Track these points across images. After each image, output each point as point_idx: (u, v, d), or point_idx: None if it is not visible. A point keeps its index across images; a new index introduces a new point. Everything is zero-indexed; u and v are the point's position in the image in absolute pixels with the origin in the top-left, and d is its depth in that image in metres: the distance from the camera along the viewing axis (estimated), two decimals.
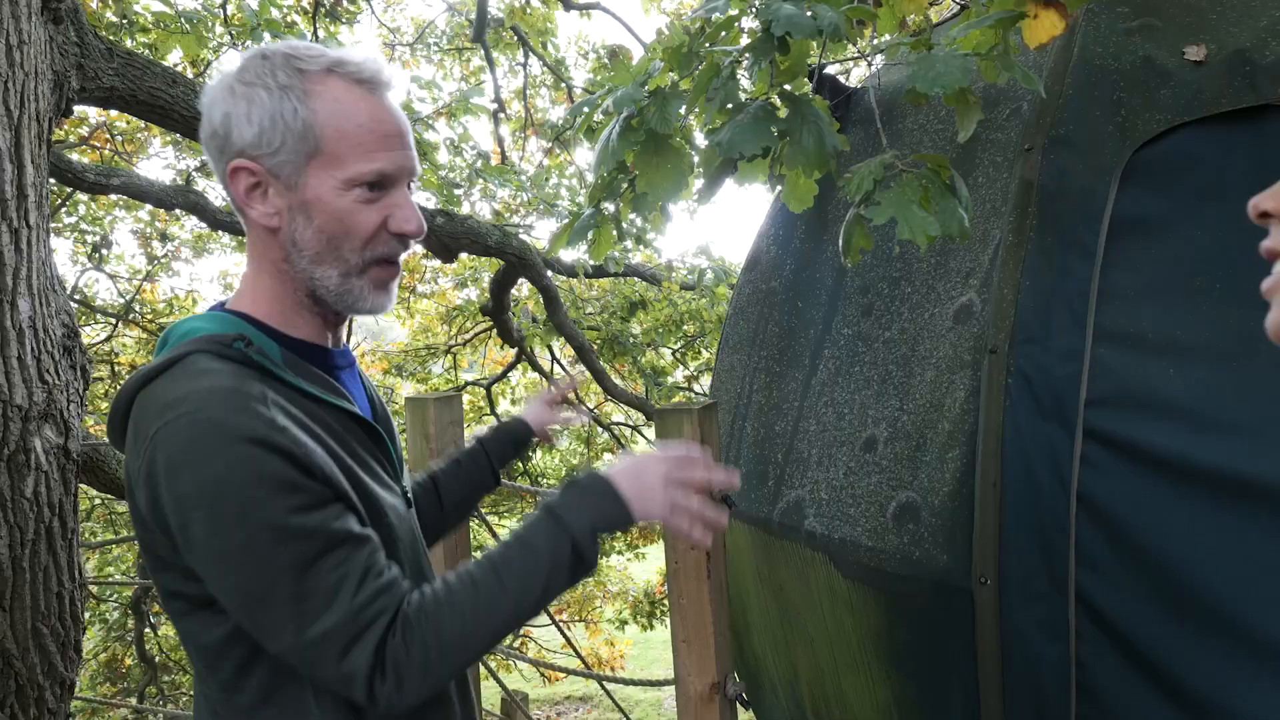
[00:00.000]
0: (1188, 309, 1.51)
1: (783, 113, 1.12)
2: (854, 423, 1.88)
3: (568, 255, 5.72)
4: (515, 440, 1.44)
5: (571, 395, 1.47)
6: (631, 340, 6.03)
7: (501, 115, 6.00)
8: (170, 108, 2.73)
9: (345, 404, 0.96)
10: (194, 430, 0.80)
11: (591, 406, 7.22)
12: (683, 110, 1.19)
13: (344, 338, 1.07)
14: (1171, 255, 1.55)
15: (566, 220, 1.77)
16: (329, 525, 0.83)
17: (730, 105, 1.13)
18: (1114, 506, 1.46)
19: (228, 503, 0.79)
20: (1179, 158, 1.58)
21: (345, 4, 5.39)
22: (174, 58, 5.37)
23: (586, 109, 1.41)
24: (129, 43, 4.38)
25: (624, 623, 8.52)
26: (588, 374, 5.70)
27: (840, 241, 1.17)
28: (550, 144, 6.33)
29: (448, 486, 1.33)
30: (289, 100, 0.89)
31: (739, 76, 1.13)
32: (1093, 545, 1.47)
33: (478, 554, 1.27)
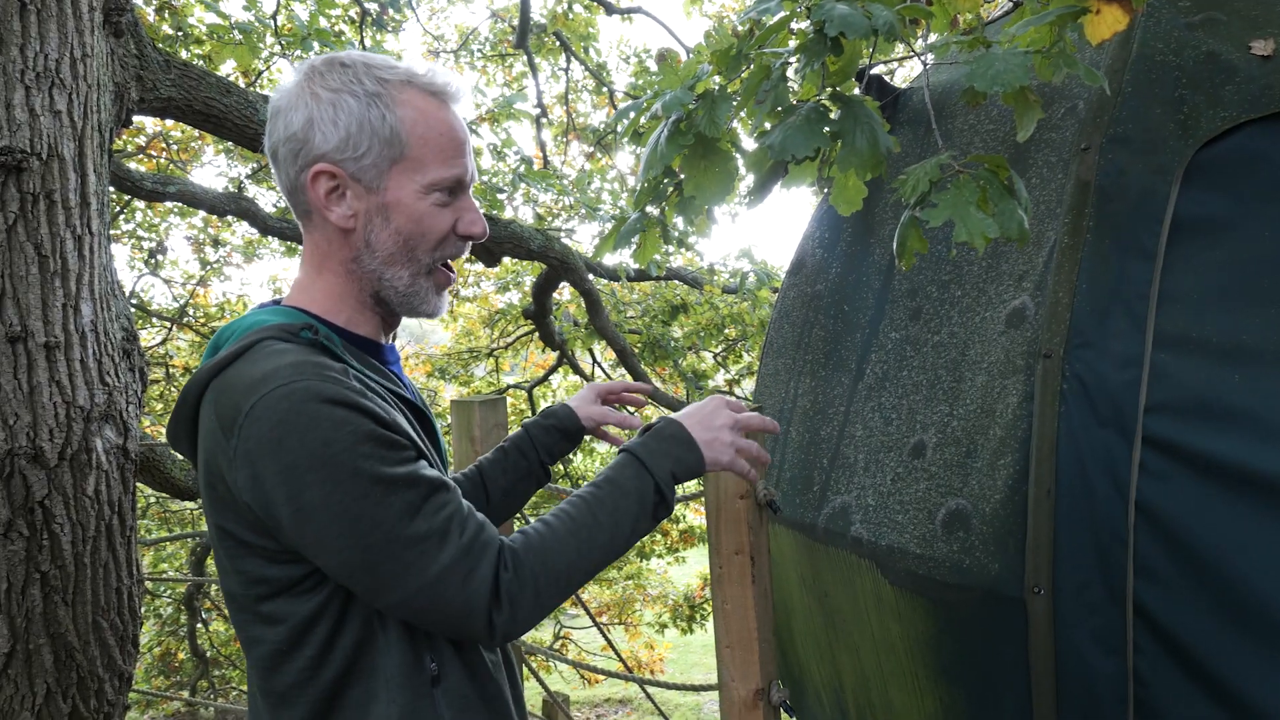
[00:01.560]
0: (1253, 313, 1.46)
1: (834, 114, 1.11)
2: (902, 428, 1.86)
3: (610, 259, 5.74)
4: (565, 433, 1.42)
5: (638, 397, 1.47)
6: (673, 344, 6.03)
7: (544, 120, 6.05)
8: (224, 116, 2.81)
9: (402, 390, 1.01)
10: (292, 400, 0.84)
11: (633, 410, 7.23)
12: (730, 114, 1.19)
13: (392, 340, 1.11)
14: (1236, 257, 1.50)
15: (611, 225, 1.78)
16: (426, 473, 0.89)
17: (780, 109, 1.12)
18: (1174, 516, 1.42)
19: (340, 462, 0.83)
20: (1244, 156, 1.53)
21: (391, 13, 5.48)
22: (226, 68, 5.51)
23: (632, 113, 1.42)
24: (184, 54, 4.50)
25: (664, 626, 8.51)
26: (629, 378, 5.71)
27: (895, 244, 1.16)
28: (592, 148, 6.35)
29: (493, 476, 1.35)
30: (376, 107, 0.93)
31: (789, 79, 1.13)
32: (1151, 555, 1.43)
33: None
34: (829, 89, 1.14)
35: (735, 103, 1.19)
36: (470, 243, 1.01)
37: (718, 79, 1.21)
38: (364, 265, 0.97)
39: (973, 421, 1.69)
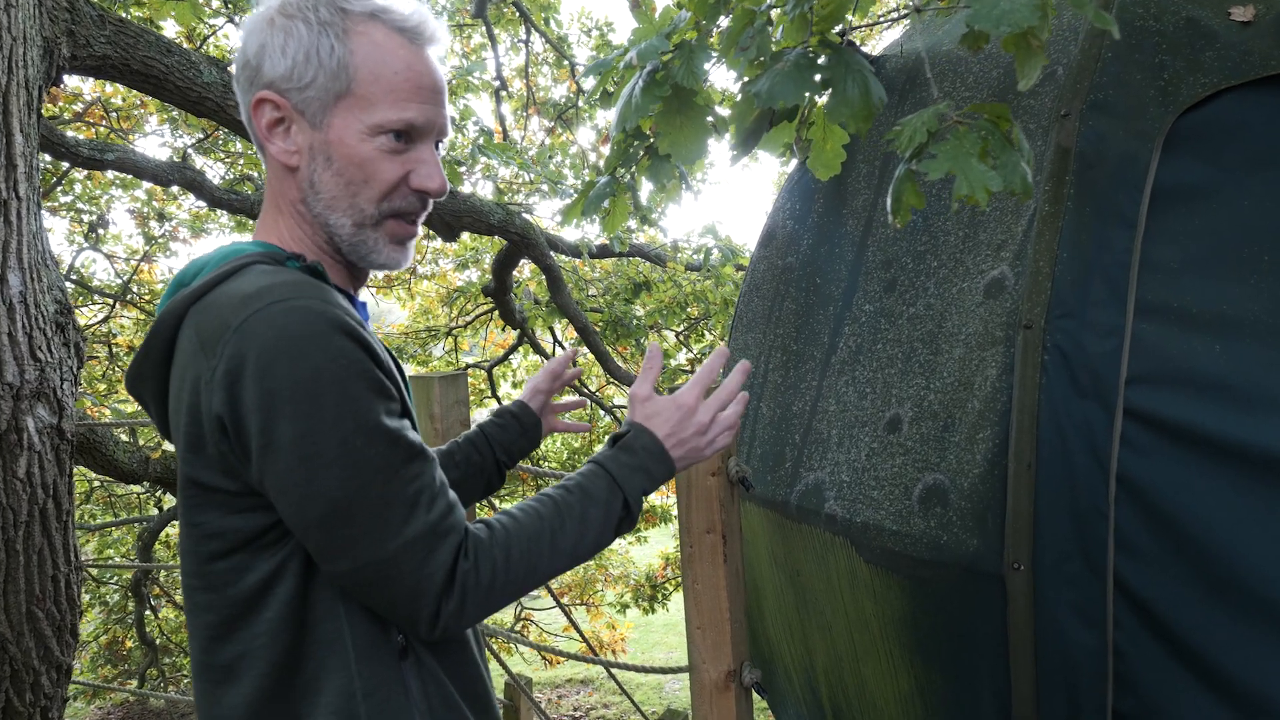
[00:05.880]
0: (1233, 282, 1.44)
1: (822, 61, 1.04)
2: (877, 402, 1.82)
3: (571, 235, 5.63)
4: (520, 425, 1.33)
5: (572, 366, 1.39)
6: (635, 322, 5.97)
7: (504, 93, 5.90)
8: (165, 78, 2.65)
9: (379, 339, 0.94)
10: (292, 317, 0.76)
11: (594, 389, 7.16)
12: (709, 63, 1.12)
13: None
14: (1216, 226, 1.47)
15: (576, 195, 1.70)
16: (409, 434, 0.82)
17: (764, 58, 1.06)
18: (1155, 489, 1.40)
19: (326, 397, 0.76)
20: (1225, 123, 1.51)
21: None
22: (171, 32, 5.26)
23: (603, 71, 1.34)
24: (122, 15, 4.27)
25: (625, 607, 8.51)
26: (590, 356, 5.64)
27: (889, 200, 1.10)
28: (553, 123, 6.23)
29: (446, 471, 1.26)
30: (327, 36, 0.86)
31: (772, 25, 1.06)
32: (1132, 529, 1.41)
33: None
34: (816, 36, 1.08)
35: (717, 52, 1.12)
36: (428, 198, 0.92)
37: (700, 24, 1.14)
38: (311, 208, 0.90)
39: (950, 395, 1.65)
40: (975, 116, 1.01)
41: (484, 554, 0.84)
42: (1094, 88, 1.58)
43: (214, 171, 5.82)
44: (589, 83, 1.43)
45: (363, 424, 0.77)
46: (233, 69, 0.92)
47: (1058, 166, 1.57)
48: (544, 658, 8.36)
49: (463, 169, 4.55)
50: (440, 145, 0.95)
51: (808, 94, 1.02)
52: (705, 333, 6.77)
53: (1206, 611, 1.36)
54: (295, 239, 0.91)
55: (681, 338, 6.92)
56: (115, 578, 6.71)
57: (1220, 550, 1.36)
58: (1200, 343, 1.42)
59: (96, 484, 6.35)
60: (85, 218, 5.81)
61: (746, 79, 1.10)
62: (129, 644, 6.86)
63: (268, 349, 0.75)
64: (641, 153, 1.55)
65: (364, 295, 1.05)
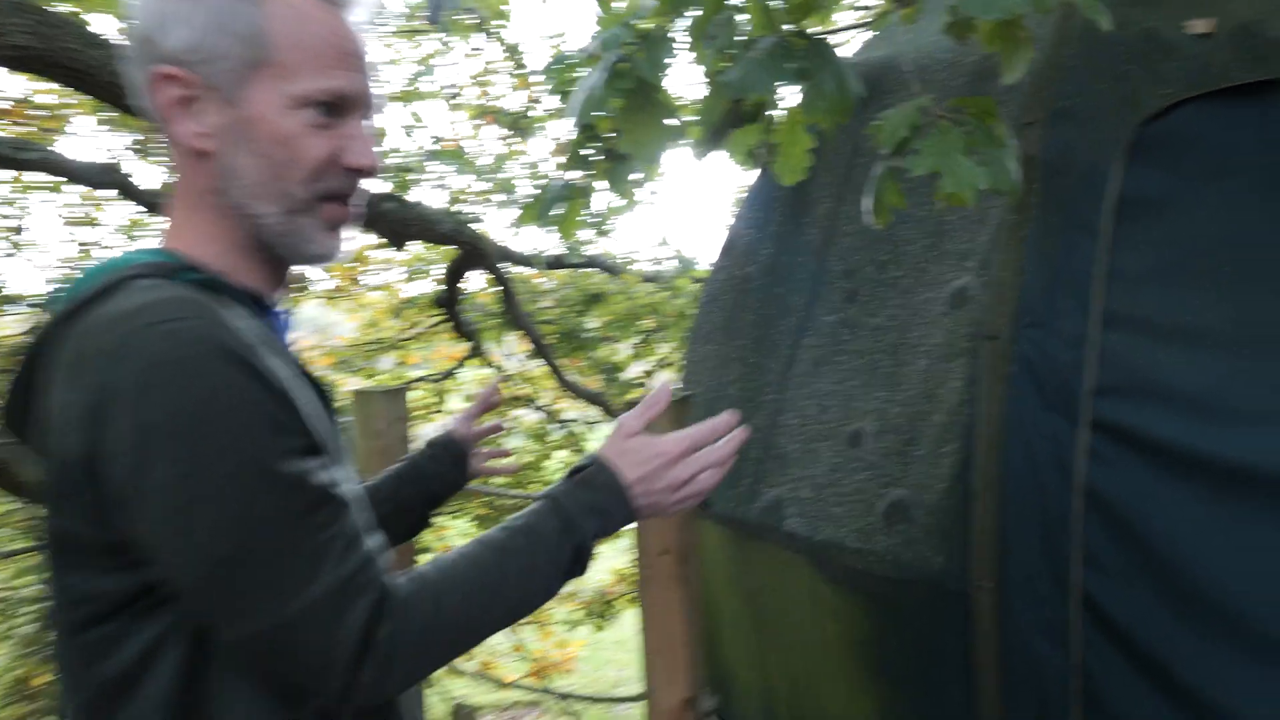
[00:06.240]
0: (1196, 292, 1.43)
1: (798, 53, 0.99)
2: (838, 415, 1.77)
3: (523, 245, 5.54)
4: (453, 455, 1.18)
5: (497, 399, 1.27)
6: (588, 335, 5.87)
7: (457, 101, 5.81)
8: (91, 72, 2.50)
9: (298, 361, 0.82)
10: (170, 341, 0.66)
11: (546, 403, 7.05)
12: (674, 56, 1.06)
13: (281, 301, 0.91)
14: (1178, 236, 1.46)
15: (534, 196, 1.63)
16: (315, 477, 0.70)
17: (733, 50, 1.00)
18: (1122, 502, 1.37)
19: (209, 434, 0.65)
20: (1185, 134, 1.50)
21: None
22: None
23: (563, 64, 1.27)
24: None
25: (576, 624, 8.37)
26: (543, 368, 5.54)
27: (869, 200, 1.05)
28: (509, 132, 6.14)
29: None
30: (238, 0, 0.76)
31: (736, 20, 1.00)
32: (1099, 544, 1.38)
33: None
34: (790, 26, 1.02)
35: (680, 45, 1.06)
36: (362, 178, 0.82)
37: (663, 14, 1.07)
38: (231, 198, 0.78)
39: (913, 407, 1.61)
40: (960, 111, 0.97)
41: (409, 613, 0.72)
42: (1058, 96, 1.56)
43: (150, 176, 5.60)
44: (549, 75, 1.37)
45: (254, 465, 0.66)
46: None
47: (1023, 175, 1.54)
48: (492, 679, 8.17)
49: (412, 177, 4.43)
50: (370, 119, 0.84)
51: (780, 85, 0.96)
52: (655, 347, 6.71)
53: (1172, 626, 1.33)
54: (210, 237, 0.80)
55: (636, 349, 6.86)
56: (28, 608, 6.34)
57: (1185, 563, 1.34)
58: (1165, 353, 1.40)
59: (17, 507, 6.01)
60: (6, 222, 5.53)
61: (716, 71, 1.04)
62: (42, 680, 6.48)
63: (140, 378, 0.65)
64: (600, 154, 1.48)
65: (309, 307, 0.94)
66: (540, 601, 0.83)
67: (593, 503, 0.84)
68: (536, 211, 1.47)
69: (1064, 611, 1.38)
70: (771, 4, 1.00)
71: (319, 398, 0.81)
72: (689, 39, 1.06)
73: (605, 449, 0.89)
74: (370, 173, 0.82)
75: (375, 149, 0.82)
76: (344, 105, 0.79)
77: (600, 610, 8.14)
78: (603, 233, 5.48)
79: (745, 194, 2.29)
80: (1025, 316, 1.46)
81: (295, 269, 0.86)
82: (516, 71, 5.65)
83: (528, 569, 0.80)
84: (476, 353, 6.05)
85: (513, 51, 5.69)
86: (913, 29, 1.81)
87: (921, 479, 1.55)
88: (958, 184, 0.93)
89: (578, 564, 0.84)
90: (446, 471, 1.18)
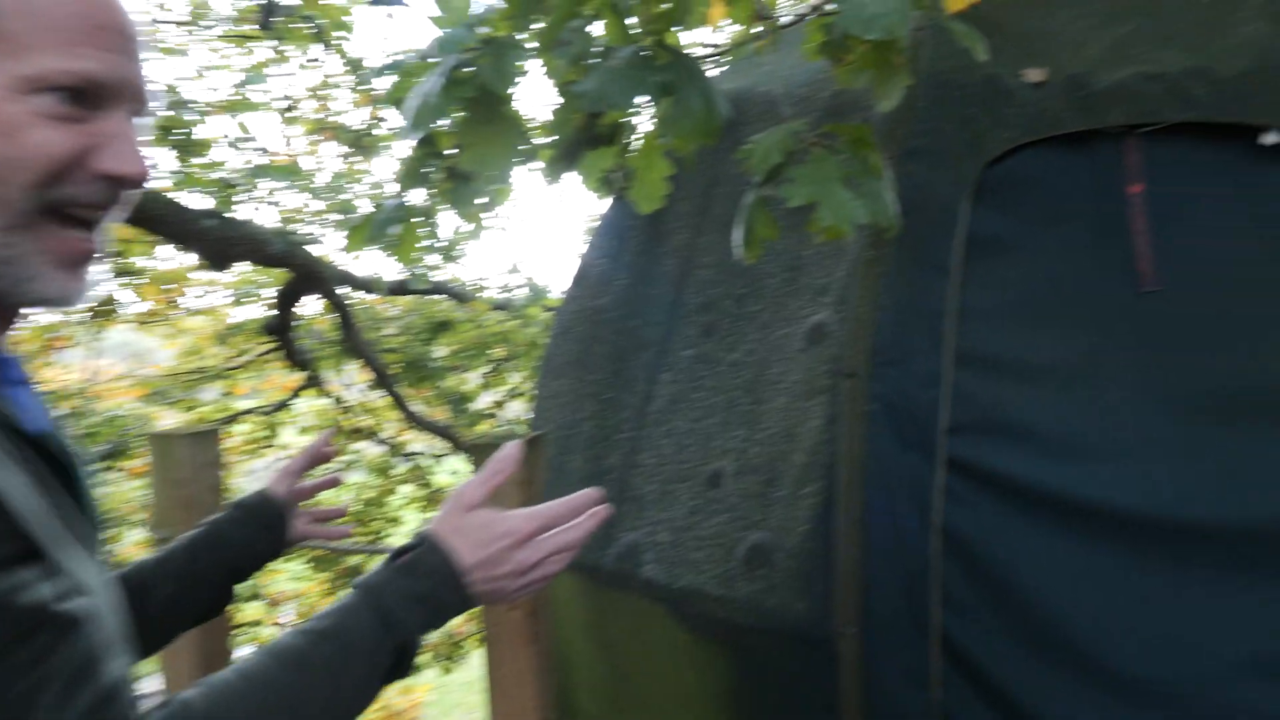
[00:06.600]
0: (1038, 331, 1.46)
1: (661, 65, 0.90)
2: (696, 455, 1.70)
3: (366, 271, 5.23)
4: (263, 522, 1.00)
5: (328, 451, 1.09)
6: (434, 364, 5.61)
7: (292, 114, 5.44)
8: None
9: (21, 423, 0.63)
10: None
11: (389, 435, 6.68)
12: (522, 63, 0.95)
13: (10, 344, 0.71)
14: (1021, 275, 1.50)
15: (365, 215, 1.47)
16: (22, 598, 0.53)
17: (586, 61, 0.90)
18: (977, 541, 1.37)
19: None
20: (1024, 177, 1.55)
21: None
22: None
23: (401, 69, 1.13)
24: None
25: (421, 669, 7.94)
26: (387, 399, 5.23)
27: (738, 232, 0.97)
28: (349, 149, 5.82)
29: (155, 580, 0.92)
30: None
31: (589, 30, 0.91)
32: (957, 584, 1.37)
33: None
34: (652, 37, 0.93)
35: (533, 51, 0.95)
36: (124, 188, 0.64)
37: (511, 17, 0.95)
38: None
39: (773, 447, 1.56)
40: (833, 138, 0.91)
41: None
42: (910, 135, 1.57)
43: None
44: (385, 82, 1.23)
45: None
46: None
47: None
48: None
49: (237, 192, 4.07)
50: (139, 119, 0.66)
51: (640, 99, 0.87)
52: (506, 377, 6.52)
53: (1025, 661, 1.34)
54: None
55: (486, 379, 6.63)
56: None
57: (1036, 599, 1.35)
58: (1014, 391, 1.42)
59: None
60: None
61: (568, 82, 0.94)
62: None
63: None
64: (442, 173, 1.35)
65: (116, 332, 0.72)
66: (355, 715, 0.67)
67: (419, 591, 0.70)
68: (367, 233, 1.31)
69: (925, 654, 1.36)
70: (630, 12, 0.91)
71: (55, 469, 0.63)
72: (538, 47, 0.95)
73: (440, 525, 0.75)
74: (134, 182, 0.64)
75: (143, 153, 0.65)
76: (99, 94, 0.62)
77: (448, 653, 7.76)
78: (450, 258, 5.27)
79: (599, 221, 2.21)
80: (882, 354, 1.44)
81: (25, 310, 0.67)
82: (360, 87, 5.36)
83: (335, 683, 0.65)
84: (313, 383, 5.65)
85: (355, 66, 5.40)
86: (770, 61, 1.80)
87: (782, 521, 1.50)
88: (837, 216, 0.87)
89: (402, 665, 0.70)
90: (254, 540, 0.98)
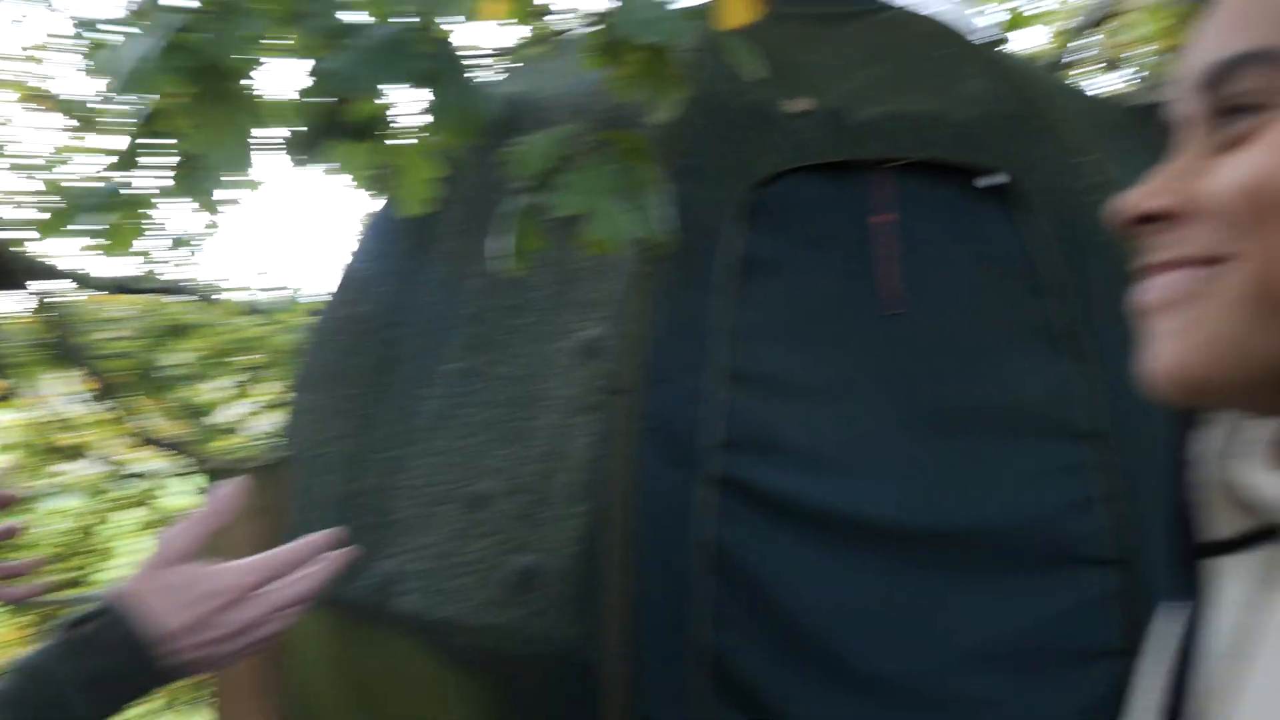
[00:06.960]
0: (802, 351, 1.52)
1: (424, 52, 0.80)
2: (461, 475, 1.60)
3: (82, 265, 4.56)
4: None
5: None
6: (169, 373, 5.01)
7: None
8: None
9: None
10: None
11: (111, 452, 5.87)
12: (254, 36, 0.81)
13: None
14: (788, 296, 1.56)
15: (68, 198, 1.23)
16: None
17: (335, 36, 0.79)
18: (744, 557, 1.39)
19: None
20: (789, 201, 1.61)
21: None
22: None
23: (94, 27, 0.94)
24: None
25: (156, 712, 7.04)
26: (110, 411, 4.59)
27: (506, 241, 0.89)
28: (72, 123, 5.06)
29: None
30: None
31: None
32: (726, 602, 1.38)
33: None
34: (417, 20, 0.83)
35: (265, 21, 0.82)
36: None
37: None
38: None
39: (542, 465, 1.50)
40: (606, 146, 0.86)
41: None
42: (684, 153, 1.58)
43: None
44: (84, 42, 1.03)
45: None
46: None
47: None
48: None
49: None
50: None
51: (392, 85, 0.78)
52: (248, 388, 5.96)
53: (791, 678, 1.37)
54: None
55: (237, 389, 6.03)
56: None
57: (799, 611, 1.39)
58: (781, 408, 1.47)
59: None
60: None
61: (314, 59, 0.82)
62: None
63: None
64: (172, 158, 1.15)
65: None
66: None
67: (95, 672, 0.57)
68: (64, 219, 1.09)
69: (694, 675, 1.35)
70: None
71: None
72: (276, 17, 0.82)
73: (136, 584, 0.61)
74: None
75: None
76: None
77: (186, 699, 6.95)
78: (187, 253, 4.73)
79: (367, 220, 2.04)
80: (653, 370, 1.43)
81: None
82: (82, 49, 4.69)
83: None
84: (11, 393, 4.83)
85: (86, 26, 4.72)
86: (552, 68, 1.75)
87: (551, 543, 1.44)
88: (609, 229, 0.82)
89: None
90: None
